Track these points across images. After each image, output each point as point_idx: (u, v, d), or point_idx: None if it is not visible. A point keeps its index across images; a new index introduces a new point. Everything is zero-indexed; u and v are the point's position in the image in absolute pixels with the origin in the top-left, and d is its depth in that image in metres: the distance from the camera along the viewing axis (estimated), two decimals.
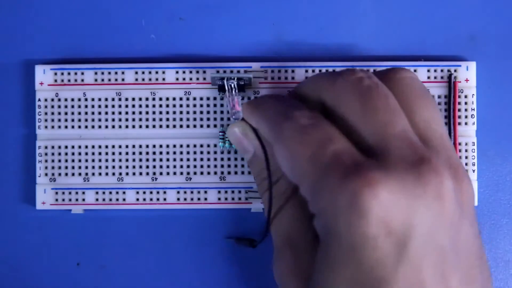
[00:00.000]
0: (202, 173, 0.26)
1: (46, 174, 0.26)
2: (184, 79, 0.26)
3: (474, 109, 0.25)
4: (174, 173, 0.26)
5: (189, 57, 0.26)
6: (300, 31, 0.26)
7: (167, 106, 0.26)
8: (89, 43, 0.26)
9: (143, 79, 0.26)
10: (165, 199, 0.26)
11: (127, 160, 0.26)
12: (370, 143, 0.18)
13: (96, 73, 0.26)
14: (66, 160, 0.26)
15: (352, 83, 0.19)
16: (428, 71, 0.26)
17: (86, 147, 0.26)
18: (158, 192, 0.26)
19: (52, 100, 0.26)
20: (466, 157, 0.25)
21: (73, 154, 0.26)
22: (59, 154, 0.26)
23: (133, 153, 0.26)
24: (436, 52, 0.26)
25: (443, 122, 0.20)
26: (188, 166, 0.26)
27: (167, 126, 0.26)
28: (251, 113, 0.22)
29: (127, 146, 0.26)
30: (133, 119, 0.26)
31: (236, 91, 0.24)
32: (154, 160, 0.26)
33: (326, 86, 0.20)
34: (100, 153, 0.26)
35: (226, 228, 0.26)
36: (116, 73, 0.26)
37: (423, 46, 0.26)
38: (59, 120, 0.26)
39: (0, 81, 0.26)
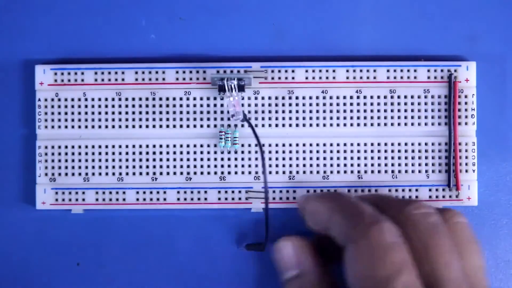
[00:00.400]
0: (202, 173, 0.26)
1: (46, 174, 0.26)
2: (184, 79, 0.26)
3: (474, 109, 0.25)
4: (174, 173, 0.26)
5: (189, 57, 0.26)
6: (300, 31, 0.26)
7: (167, 106, 0.26)
8: (89, 43, 0.26)
9: (143, 79, 0.26)
10: (165, 199, 0.26)
11: (127, 160, 0.26)
12: (427, 280, 0.19)
13: (96, 73, 0.26)
14: (66, 160, 0.26)
15: (421, 217, 0.20)
16: (428, 71, 0.26)
17: (86, 147, 0.26)
18: (158, 192, 0.26)
19: (52, 100, 0.26)
20: (466, 157, 0.25)
21: (73, 154, 0.26)
22: (59, 154, 0.26)
23: (133, 153, 0.26)
24: (436, 52, 0.26)
25: (485, 271, 0.21)
26: (188, 166, 0.26)
27: (167, 126, 0.26)
28: (323, 201, 0.22)
29: (127, 146, 0.26)
30: (133, 119, 0.26)
31: (236, 91, 0.24)
32: (154, 160, 0.26)
33: (394, 209, 0.21)
34: (100, 153, 0.26)
35: (226, 228, 0.26)
36: (116, 73, 0.26)
37: (423, 46, 0.26)
38: (59, 120, 0.26)
39: (0, 81, 0.26)
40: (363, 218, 0.20)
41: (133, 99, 0.26)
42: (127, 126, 0.26)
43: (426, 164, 0.25)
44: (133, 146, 0.26)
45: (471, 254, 0.21)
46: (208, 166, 0.26)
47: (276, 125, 0.25)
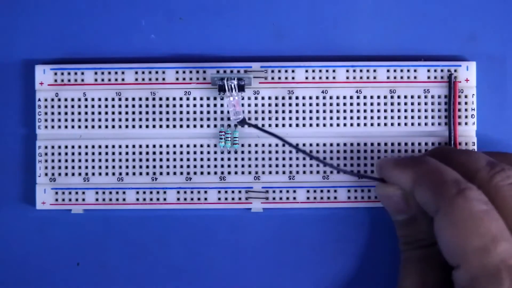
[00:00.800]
0: (202, 173, 0.26)
1: (46, 174, 0.26)
2: (184, 79, 0.26)
3: (474, 109, 0.25)
4: (174, 173, 0.26)
5: (189, 57, 0.26)
6: (300, 31, 0.26)
7: (167, 106, 0.26)
8: (89, 43, 0.26)
9: (143, 79, 0.26)
10: (165, 199, 0.26)
11: (127, 160, 0.26)
12: None
13: (96, 73, 0.26)
14: (66, 160, 0.26)
15: (508, 188, 0.20)
16: (428, 71, 0.26)
17: (86, 147, 0.26)
18: (158, 192, 0.26)
19: (52, 100, 0.26)
20: None
21: (73, 154, 0.26)
22: (59, 154, 0.26)
23: (133, 153, 0.26)
24: (436, 52, 0.26)
25: None
26: (188, 166, 0.26)
27: (167, 126, 0.26)
28: (403, 170, 0.21)
29: (127, 146, 0.26)
30: (133, 119, 0.26)
31: (236, 91, 0.24)
32: (154, 160, 0.26)
33: (482, 177, 0.20)
34: (100, 153, 0.26)
35: (226, 228, 0.26)
36: (116, 73, 0.26)
37: (423, 46, 0.26)
38: (59, 120, 0.26)
39: (0, 81, 0.26)
40: (447, 187, 0.19)
41: (133, 99, 0.26)
42: (127, 126, 0.26)
43: None
44: (133, 146, 0.26)
45: None
46: (208, 166, 0.26)
47: (276, 125, 0.25)
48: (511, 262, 0.18)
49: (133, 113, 0.26)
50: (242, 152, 0.26)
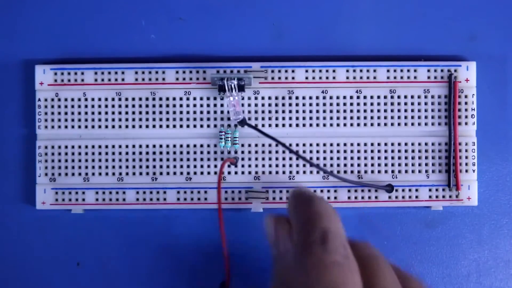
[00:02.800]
0: (202, 173, 0.26)
1: (46, 174, 0.26)
2: (184, 79, 0.26)
3: (474, 109, 0.25)
4: (174, 173, 0.26)
5: (189, 57, 0.26)
6: (300, 31, 0.26)
7: (167, 106, 0.26)
8: (89, 43, 0.26)
9: (143, 79, 0.26)
10: (165, 199, 0.26)
11: (127, 160, 0.26)
12: None
13: (96, 73, 0.26)
14: (66, 160, 0.26)
15: (365, 247, 0.20)
16: (428, 71, 0.26)
17: (86, 147, 0.26)
18: (158, 192, 0.26)
19: (52, 100, 0.26)
20: (466, 157, 0.25)
21: (73, 154, 0.26)
22: (59, 154, 0.26)
23: (133, 153, 0.26)
24: (436, 52, 0.26)
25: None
26: (188, 166, 0.26)
27: (167, 126, 0.26)
28: (294, 207, 0.21)
29: (127, 146, 0.26)
30: (133, 119, 0.26)
31: (236, 91, 0.24)
32: (154, 160, 0.26)
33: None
34: (100, 153, 0.26)
35: (226, 228, 0.26)
36: (116, 73, 0.26)
37: (423, 46, 0.26)
38: (59, 120, 0.26)
39: (0, 81, 0.26)
40: (313, 231, 0.19)
41: (133, 99, 0.26)
42: (127, 126, 0.26)
43: (426, 164, 0.26)
44: (133, 146, 0.26)
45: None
46: (208, 166, 0.26)
47: (276, 125, 0.25)
48: None
49: (133, 113, 0.26)
50: (242, 152, 0.26)
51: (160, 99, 0.26)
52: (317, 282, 0.18)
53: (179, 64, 0.26)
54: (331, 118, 0.25)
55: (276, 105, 0.25)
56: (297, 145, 0.25)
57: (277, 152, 0.26)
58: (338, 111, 0.26)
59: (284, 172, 0.26)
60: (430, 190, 0.26)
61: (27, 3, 0.26)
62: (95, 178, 0.26)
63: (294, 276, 0.19)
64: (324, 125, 0.25)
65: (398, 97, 0.26)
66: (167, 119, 0.26)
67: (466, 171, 0.25)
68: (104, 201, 0.26)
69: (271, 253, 0.21)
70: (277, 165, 0.26)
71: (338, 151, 0.25)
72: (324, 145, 0.26)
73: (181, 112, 0.26)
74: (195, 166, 0.26)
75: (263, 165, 0.26)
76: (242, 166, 0.26)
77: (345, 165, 0.25)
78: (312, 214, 0.20)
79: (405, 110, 0.26)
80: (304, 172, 0.25)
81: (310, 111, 0.25)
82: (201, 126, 0.26)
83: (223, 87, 0.25)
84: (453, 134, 0.25)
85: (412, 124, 0.26)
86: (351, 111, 0.26)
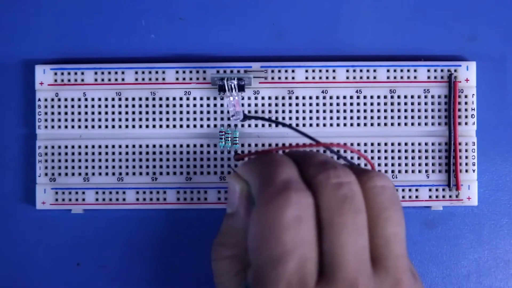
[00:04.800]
0: (202, 173, 0.26)
1: (46, 174, 0.26)
2: (184, 79, 0.26)
3: (474, 109, 0.25)
4: (174, 173, 0.26)
5: (189, 57, 0.26)
6: (300, 31, 0.26)
7: (167, 106, 0.26)
8: (89, 43, 0.26)
9: (143, 79, 0.26)
10: (165, 199, 0.26)
11: (127, 160, 0.26)
12: (325, 258, 0.18)
13: (96, 73, 0.26)
14: (66, 160, 0.26)
15: (332, 187, 0.18)
16: (428, 71, 0.26)
17: (86, 147, 0.26)
18: (158, 192, 0.26)
19: (52, 100, 0.26)
20: (466, 157, 0.25)
21: (73, 154, 0.26)
22: (59, 154, 0.26)
23: (133, 153, 0.26)
24: (436, 52, 0.26)
25: (404, 238, 0.19)
26: (188, 166, 0.26)
27: (167, 126, 0.26)
28: (249, 168, 0.20)
29: (127, 146, 0.26)
30: (133, 119, 0.26)
31: (236, 91, 0.24)
32: (154, 160, 0.26)
33: (312, 177, 0.19)
34: (100, 153, 0.26)
35: None
36: (116, 73, 0.26)
37: (423, 46, 0.26)
38: (59, 120, 0.26)
39: (0, 81, 0.26)
40: (272, 185, 0.18)
41: (133, 99, 0.26)
42: (127, 126, 0.26)
43: (426, 164, 0.26)
44: (133, 146, 0.26)
45: (385, 222, 0.19)
46: (208, 166, 0.26)
47: (276, 125, 0.25)
48: (293, 276, 0.17)
49: (133, 113, 0.26)
50: (242, 152, 0.26)
51: (160, 99, 0.26)
52: (271, 242, 0.18)
53: (179, 64, 0.26)
54: (331, 118, 0.25)
55: (276, 105, 0.25)
56: (297, 145, 0.25)
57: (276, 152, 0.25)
58: (338, 111, 0.26)
59: None
60: (430, 190, 0.26)
61: (27, 3, 0.26)
62: (95, 178, 0.26)
63: (249, 229, 0.19)
64: (324, 125, 0.25)
65: (398, 97, 0.26)
66: (167, 119, 0.26)
67: (466, 171, 0.25)
68: (104, 201, 0.26)
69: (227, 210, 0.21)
70: None
71: (338, 151, 0.25)
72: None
73: (181, 112, 0.26)
74: (195, 166, 0.26)
75: None
76: None
77: (345, 165, 0.25)
78: (267, 166, 0.19)
79: (405, 110, 0.26)
80: None
81: (310, 111, 0.25)
82: (201, 126, 0.26)
83: (223, 87, 0.24)
84: (453, 134, 0.25)
85: (412, 124, 0.26)
86: (351, 111, 0.26)
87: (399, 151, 0.26)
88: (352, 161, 0.21)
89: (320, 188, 0.18)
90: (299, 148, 0.22)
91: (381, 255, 0.18)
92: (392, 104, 0.26)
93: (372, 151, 0.26)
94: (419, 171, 0.26)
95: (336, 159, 0.25)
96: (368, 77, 0.26)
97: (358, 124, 0.25)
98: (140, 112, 0.26)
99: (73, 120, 0.26)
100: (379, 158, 0.25)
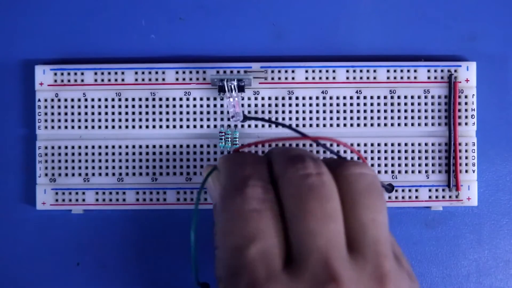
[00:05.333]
0: (202, 173, 0.26)
1: (46, 174, 0.26)
2: (184, 79, 0.26)
3: (474, 109, 0.25)
4: (174, 173, 0.26)
5: (189, 57, 0.26)
6: (300, 31, 0.26)
7: (167, 106, 0.26)
8: (89, 43, 0.26)
9: (143, 79, 0.26)
10: (165, 199, 0.26)
11: (127, 160, 0.26)
12: (293, 248, 0.18)
13: (96, 73, 0.26)
14: (66, 160, 0.26)
15: (298, 179, 0.18)
16: (428, 71, 0.26)
17: (86, 147, 0.26)
18: (158, 193, 0.26)
19: (52, 100, 0.26)
20: (466, 157, 0.25)
21: (73, 154, 0.26)
22: (59, 154, 0.26)
23: (133, 153, 0.26)
24: (436, 52, 0.26)
25: (385, 224, 0.19)
26: (188, 166, 0.26)
27: (167, 126, 0.26)
28: (222, 164, 0.21)
29: (127, 146, 0.26)
30: (133, 119, 0.26)
31: (236, 91, 0.24)
32: (154, 160, 0.26)
33: (280, 171, 0.19)
34: (100, 153, 0.26)
35: None
36: (116, 73, 0.26)
37: (423, 46, 0.26)
38: (59, 120, 0.26)
39: (0, 81, 0.26)
40: (235, 181, 0.19)
41: (133, 99, 0.26)
42: (127, 126, 0.26)
43: (426, 165, 0.26)
44: (133, 146, 0.26)
45: (361, 208, 0.18)
46: None
47: (276, 126, 0.25)
48: (258, 265, 0.17)
49: (133, 113, 0.26)
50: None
51: (160, 99, 0.26)
52: (238, 230, 0.18)
53: (179, 64, 0.26)
54: (331, 118, 0.25)
55: (276, 105, 0.25)
56: (297, 145, 0.25)
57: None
58: (338, 112, 0.26)
59: None
60: (430, 190, 0.26)
61: (27, 3, 0.26)
62: (95, 178, 0.26)
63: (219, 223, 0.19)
64: (324, 125, 0.25)
65: (398, 97, 0.26)
66: (167, 120, 0.26)
67: (466, 171, 0.25)
68: (104, 201, 0.26)
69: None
70: None
71: (338, 151, 0.25)
72: (324, 145, 0.25)
73: (181, 113, 0.26)
74: (195, 166, 0.26)
75: None
76: None
77: None
78: (232, 165, 0.20)
79: (405, 111, 0.26)
80: None
81: (310, 112, 0.25)
82: (201, 126, 0.26)
83: (223, 87, 0.24)
84: (453, 134, 0.25)
85: (412, 124, 0.26)
86: (351, 111, 0.25)
87: (399, 151, 0.26)
88: (340, 155, 0.21)
89: (286, 181, 0.19)
90: (285, 141, 0.24)
91: (356, 240, 0.18)
92: (392, 104, 0.26)
93: (372, 151, 0.26)
94: (419, 172, 0.26)
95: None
96: (368, 78, 0.26)
97: (358, 125, 0.25)
98: (140, 113, 0.26)
99: (73, 120, 0.26)
100: (379, 158, 0.25)
